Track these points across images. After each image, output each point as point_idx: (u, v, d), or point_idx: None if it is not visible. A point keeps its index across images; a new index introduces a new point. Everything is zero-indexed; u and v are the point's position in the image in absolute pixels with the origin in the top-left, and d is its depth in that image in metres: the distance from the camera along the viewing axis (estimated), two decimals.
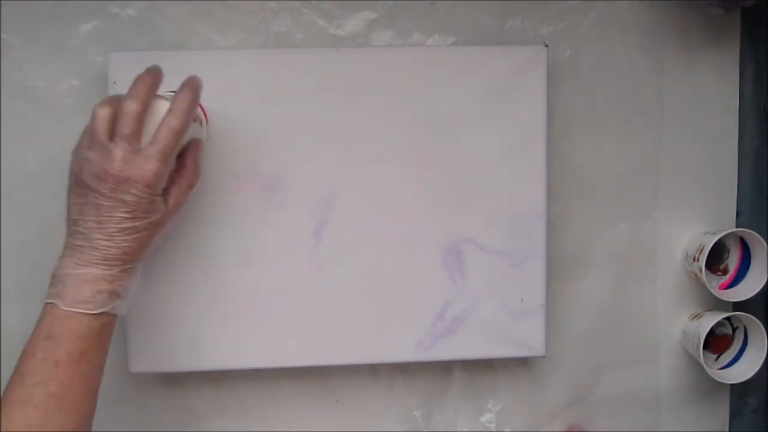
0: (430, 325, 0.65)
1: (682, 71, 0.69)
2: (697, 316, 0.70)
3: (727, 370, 0.69)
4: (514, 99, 0.64)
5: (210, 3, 0.65)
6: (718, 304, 0.70)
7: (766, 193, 0.72)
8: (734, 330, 0.70)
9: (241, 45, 0.65)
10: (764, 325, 0.67)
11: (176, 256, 0.63)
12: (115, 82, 0.61)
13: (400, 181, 0.64)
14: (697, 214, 0.71)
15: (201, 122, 0.58)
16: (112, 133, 0.51)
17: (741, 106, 0.70)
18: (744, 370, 0.68)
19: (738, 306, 0.70)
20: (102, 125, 0.51)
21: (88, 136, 0.52)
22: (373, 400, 0.70)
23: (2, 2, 0.63)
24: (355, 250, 0.64)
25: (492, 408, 0.71)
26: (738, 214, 0.71)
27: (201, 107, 0.60)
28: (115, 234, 0.51)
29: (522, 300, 0.65)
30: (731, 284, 0.69)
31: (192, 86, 0.53)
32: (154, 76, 0.53)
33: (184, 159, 0.56)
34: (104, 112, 0.51)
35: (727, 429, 0.74)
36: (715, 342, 0.70)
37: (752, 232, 0.67)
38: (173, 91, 0.58)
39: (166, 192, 0.54)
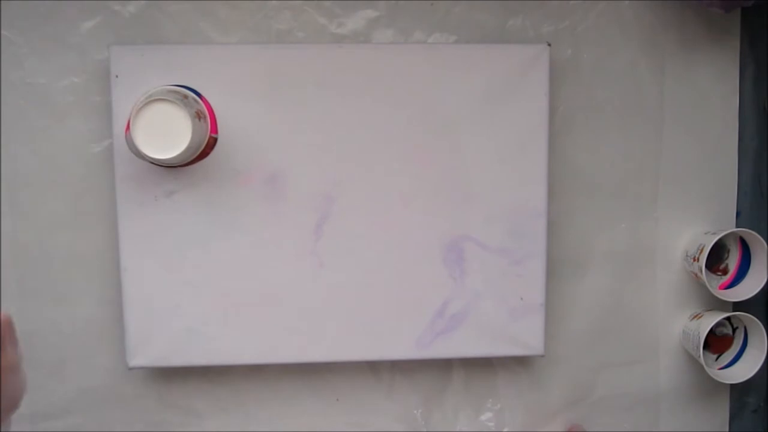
0: (429, 322, 0.65)
1: (682, 71, 0.69)
2: (697, 316, 0.70)
3: (727, 370, 0.69)
4: (516, 98, 0.64)
5: (211, 1, 0.65)
6: (718, 304, 0.70)
7: (766, 193, 0.72)
8: (734, 330, 0.70)
9: (242, 43, 0.65)
10: (764, 325, 0.67)
11: (176, 251, 0.63)
12: (117, 76, 0.61)
13: (401, 178, 0.64)
14: (697, 214, 0.71)
15: (204, 118, 0.58)
16: None
17: (741, 106, 0.70)
18: (744, 370, 0.68)
19: (738, 306, 0.70)
20: None
21: None
22: (373, 399, 0.70)
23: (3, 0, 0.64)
24: (356, 246, 0.64)
25: (491, 407, 0.71)
26: (738, 214, 0.71)
27: (205, 102, 0.60)
28: None
29: (522, 299, 0.65)
30: (731, 284, 0.69)
31: None
32: None
33: None
34: None
35: (727, 429, 0.74)
36: (716, 342, 0.70)
37: (752, 232, 0.67)
38: (175, 85, 0.59)
39: None
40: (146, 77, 0.60)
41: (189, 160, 0.58)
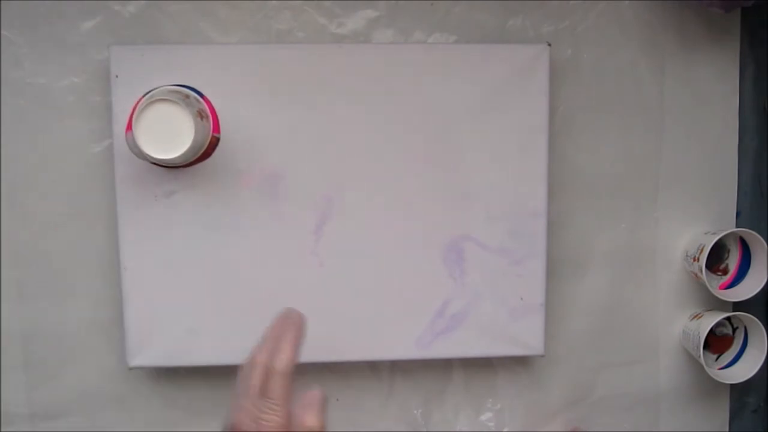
0: (429, 322, 0.65)
1: (682, 71, 0.69)
2: (697, 316, 0.70)
3: (727, 370, 0.69)
4: (516, 98, 0.64)
5: (211, 1, 0.65)
6: (718, 304, 0.70)
7: (766, 193, 0.72)
8: (734, 330, 0.70)
9: (242, 43, 0.65)
10: (764, 325, 0.67)
11: (176, 251, 0.63)
12: (117, 76, 0.61)
13: (402, 178, 0.64)
14: (697, 214, 0.71)
15: (206, 117, 0.58)
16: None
17: (741, 106, 0.70)
18: (744, 370, 0.68)
19: (738, 306, 0.70)
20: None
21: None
22: (373, 399, 0.70)
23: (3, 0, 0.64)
24: (356, 246, 0.64)
25: (491, 407, 0.71)
26: (738, 214, 0.71)
27: (207, 102, 0.60)
28: None
29: (522, 299, 0.65)
30: (731, 284, 0.69)
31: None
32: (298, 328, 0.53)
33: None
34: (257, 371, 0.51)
35: (727, 429, 0.74)
36: (716, 342, 0.70)
37: (752, 232, 0.67)
38: (176, 85, 0.59)
39: None
40: (146, 77, 0.60)
41: (191, 159, 0.58)
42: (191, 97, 0.57)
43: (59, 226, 0.66)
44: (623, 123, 0.69)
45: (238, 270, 0.63)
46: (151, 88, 0.58)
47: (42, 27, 0.64)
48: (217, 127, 0.60)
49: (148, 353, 0.63)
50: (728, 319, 0.68)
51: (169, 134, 0.54)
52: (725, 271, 0.70)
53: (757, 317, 0.67)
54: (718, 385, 0.70)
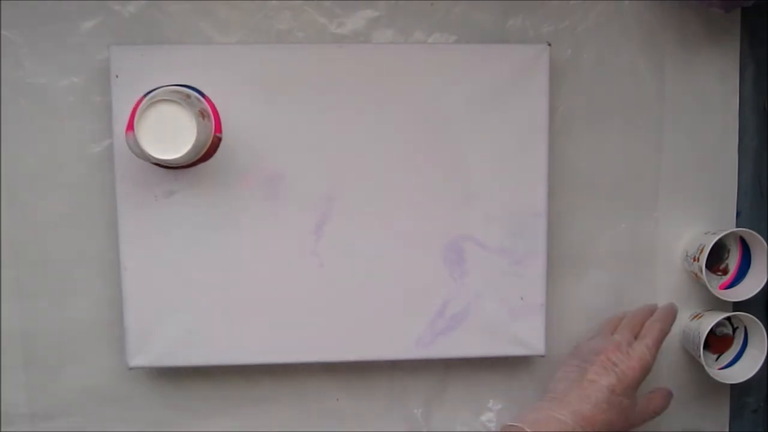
0: (429, 322, 0.65)
1: (682, 71, 0.69)
2: (697, 316, 0.70)
3: (727, 370, 0.69)
4: (516, 97, 0.64)
5: (211, 1, 0.65)
6: (718, 304, 0.70)
7: (766, 193, 0.72)
8: (734, 330, 0.70)
9: (242, 43, 0.65)
10: (764, 325, 0.67)
11: (176, 251, 0.63)
12: (117, 76, 0.61)
13: (402, 178, 0.64)
14: (697, 214, 0.71)
15: (208, 116, 0.58)
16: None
17: (741, 106, 0.70)
18: (744, 370, 0.68)
19: (738, 306, 0.70)
20: (609, 325, 0.67)
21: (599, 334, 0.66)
22: (372, 399, 0.70)
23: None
24: (356, 246, 0.64)
25: (492, 407, 0.71)
26: (738, 214, 0.71)
27: (208, 102, 0.60)
28: (591, 397, 0.58)
29: (522, 299, 0.65)
30: (731, 284, 0.69)
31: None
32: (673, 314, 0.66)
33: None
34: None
35: (727, 429, 0.74)
36: (716, 342, 0.70)
37: (752, 232, 0.67)
38: (177, 85, 0.59)
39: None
40: (146, 77, 0.60)
41: (194, 159, 0.58)
42: (192, 97, 0.57)
43: (59, 226, 0.66)
44: (623, 123, 0.69)
45: (238, 270, 0.63)
46: (151, 88, 0.58)
47: (42, 27, 0.64)
48: (219, 126, 0.60)
49: (148, 353, 0.63)
50: (728, 319, 0.68)
51: (171, 134, 0.54)
52: (725, 271, 0.70)
53: (757, 317, 0.67)
54: (718, 385, 0.70)
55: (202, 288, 0.63)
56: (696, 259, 0.67)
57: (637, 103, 0.69)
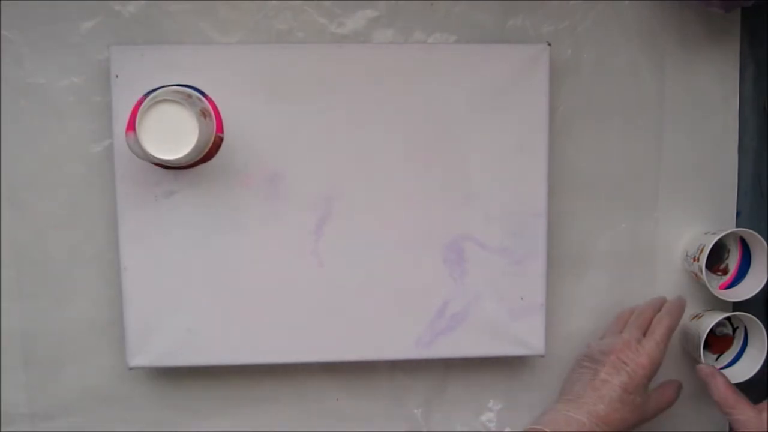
0: (429, 322, 0.65)
1: (682, 71, 0.69)
2: (697, 316, 0.70)
3: (728, 370, 0.69)
4: (516, 97, 0.64)
5: (211, 1, 0.65)
6: (718, 304, 0.70)
7: (766, 193, 0.72)
8: (734, 330, 0.70)
9: (243, 43, 0.65)
10: (764, 326, 0.67)
11: (176, 251, 0.63)
12: (117, 76, 0.61)
13: (402, 177, 0.64)
14: (697, 214, 0.71)
15: (210, 116, 0.58)
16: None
17: (741, 106, 0.70)
18: (744, 370, 0.68)
19: (738, 306, 0.70)
20: (619, 322, 0.68)
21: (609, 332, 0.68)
22: (372, 399, 0.70)
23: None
24: (356, 246, 0.64)
25: (492, 407, 0.71)
26: (738, 214, 0.71)
27: (210, 101, 0.60)
28: (605, 397, 0.61)
29: (522, 299, 0.65)
30: (731, 284, 0.69)
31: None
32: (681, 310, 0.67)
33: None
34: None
35: (727, 429, 0.74)
36: (716, 342, 0.70)
37: (752, 232, 0.67)
38: (178, 85, 0.58)
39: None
40: (146, 77, 0.60)
41: (196, 159, 0.58)
42: (193, 97, 0.57)
43: (59, 226, 0.66)
44: (623, 123, 0.69)
45: (238, 270, 0.63)
46: (151, 88, 0.58)
47: (42, 27, 0.64)
48: (220, 126, 0.60)
49: (147, 353, 0.63)
50: (728, 319, 0.69)
51: (172, 135, 0.54)
52: (725, 271, 0.70)
53: (757, 317, 0.67)
54: None
55: (202, 288, 0.63)
56: (696, 259, 0.67)
57: (637, 103, 0.69)
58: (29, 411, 0.67)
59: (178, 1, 0.64)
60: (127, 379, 0.67)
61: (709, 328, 0.66)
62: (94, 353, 0.67)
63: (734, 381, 0.67)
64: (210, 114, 0.58)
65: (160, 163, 0.56)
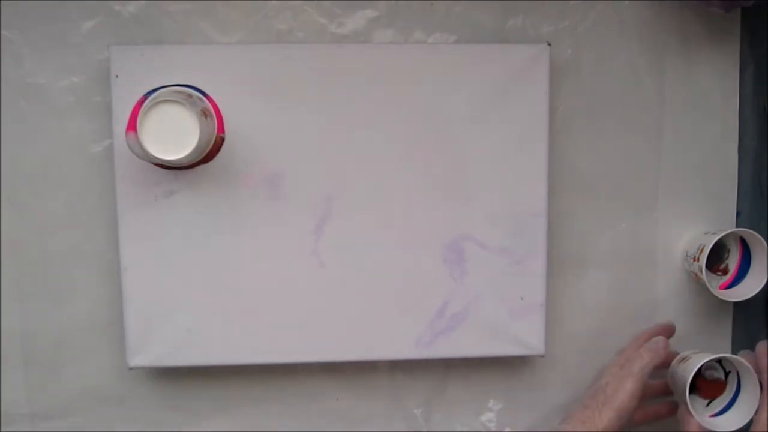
0: (429, 322, 0.65)
1: (682, 71, 0.69)
2: (684, 359, 0.66)
3: (720, 418, 0.65)
4: (516, 97, 0.64)
5: (211, 1, 0.65)
6: (718, 305, 0.70)
7: (766, 193, 0.72)
8: (727, 374, 0.66)
9: (242, 43, 0.65)
10: (765, 325, 0.67)
11: (176, 251, 0.63)
12: (117, 76, 0.61)
13: (402, 178, 0.64)
14: (697, 214, 0.71)
15: (210, 116, 0.58)
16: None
17: (741, 106, 0.70)
18: (737, 418, 0.63)
19: (738, 306, 0.70)
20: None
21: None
22: (373, 399, 0.70)
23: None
24: (356, 246, 0.64)
25: (492, 407, 0.71)
26: (738, 214, 0.71)
27: (211, 101, 0.60)
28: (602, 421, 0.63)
29: (522, 299, 0.66)
30: (731, 284, 0.69)
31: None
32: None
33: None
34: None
35: None
36: (706, 386, 0.66)
37: (752, 232, 0.66)
38: (178, 85, 0.58)
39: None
40: (146, 77, 0.60)
41: (198, 159, 0.58)
42: (194, 97, 0.57)
43: (59, 226, 0.66)
44: (623, 123, 0.69)
45: (238, 270, 0.63)
46: (151, 88, 0.58)
47: (42, 27, 0.64)
48: (221, 126, 0.60)
49: (147, 353, 0.63)
50: (720, 361, 0.65)
51: (174, 135, 0.54)
52: (725, 271, 0.70)
53: (756, 317, 0.67)
54: None
55: (202, 288, 0.63)
56: (696, 259, 0.67)
57: (637, 103, 0.69)
58: (29, 411, 0.67)
59: (178, 1, 0.64)
60: (127, 379, 0.67)
61: (693, 371, 0.62)
62: (94, 353, 0.67)
63: (725, 430, 0.63)
64: (211, 114, 0.58)
65: (161, 163, 0.56)
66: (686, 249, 0.70)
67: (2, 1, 0.63)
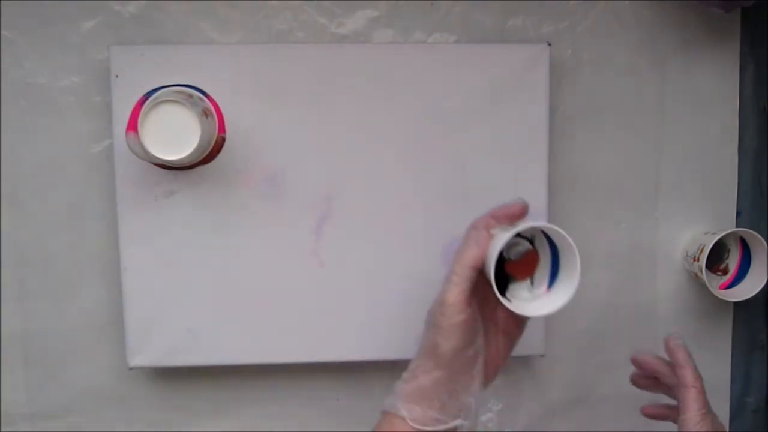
0: None
1: (682, 71, 0.69)
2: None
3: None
4: (516, 97, 0.64)
5: (211, 1, 0.65)
6: (718, 304, 0.70)
7: (766, 193, 0.72)
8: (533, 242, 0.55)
9: (242, 43, 0.65)
10: (765, 325, 0.67)
11: (176, 251, 0.63)
12: (117, 76, 0.61)
13: (402, 177, 0.64)
14: (697, 214, 0.71)
15: (211, 115, 0.58)
16: None
17: (741, 106, 0.70)
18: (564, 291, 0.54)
19: (738, 306, 0.70)
20: None
21: None
22: (373, 399, 0.69)
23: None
24: (356, 246, 0.64)
25: (492, 407, 0.71)
26: (738, 214, 0.71)
27: (211, 101, 0.60)
28: None
29: None
30: (731, 284, 0.69)
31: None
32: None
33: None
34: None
35: (727, 429, 0.73)
36: (518, 267, 0.54)
37: (752, 232, 0.67)
38: (178, 85, 0.58)
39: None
40: (146, 77, 0.60)
41: (199, 159, 0.58)
42: (195, 97, 0.57)
43: (59, 226, 0.66)
44: (623, 123, 0.69)
45: (238, 270, 0.63)
46: (151, 88, 0.58)
47: (42, 27, 0.64)
48: (222, 126, 0.60)
49: (147, 353, 0.63)
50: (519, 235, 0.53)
51: (175, 135, 0.54)
52: (725, 271, 0.70)
53: (756, 317, 0.67)
54: (718, 385, 0.70)
55: (202, 288, 0.63)
56: (696, 259, 0.67)
57: (637, 103, 0.69)
58: (29, 411, 0.67)
59: (178, 1, 0.64)
60: (127, 379, 0.67)
61: (496, 254, 0.49)
62: (94, 353, 0.67)
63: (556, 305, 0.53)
64: (212, 114, 0.58)
65: (162, 163, 0.56)
66: (686, 249, 0.70)
67: (2, 1, 0.63)
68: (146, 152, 0.54)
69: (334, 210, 0.63)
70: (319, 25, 0.66)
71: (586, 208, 0.70)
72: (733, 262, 0.70)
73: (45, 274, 0.66)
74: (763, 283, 0.66)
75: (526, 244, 0.55)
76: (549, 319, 0.66)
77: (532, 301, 0.54)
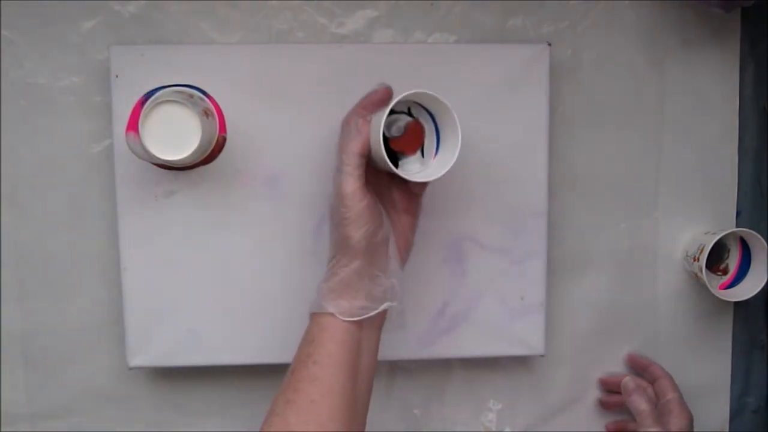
0: (430, 322, 0.65)
1: (682, 71, 0.69)
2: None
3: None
4: (516, 97, 0.64)
5: (211, 1, 0.65)
6: (718, 304, 0.70)
7: (766, 193, 0.72)
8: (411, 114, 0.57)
9: (242, 43, 0.65)
10: (765, 325, 0.67)
11: (176, 251, 0.63)
12: (117, 76, 0.61)
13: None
14: (697, 214, 0.71)
15: (212, 115, 0.58)
16: None
17: (741, 106, 0.70)
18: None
19: (738, 306, 0.70)
20: None
21: None
22: (373, 399, 0.69)
23: None
24: None
25: (492, 407, 0.71)
26: (738, 214, 0.71)
27: (212, 101, 0.60)
28: None
29: (522, 298, 0.65)
30: (731, 284, 0.69)
31: None
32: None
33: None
34: None
35: (727, 429, 0.74)
36: (401, 143, 0.56)
37: (752, 232, 0.67)
38: (178, 85, 0.58)
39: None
40: (146, 77, 0.60)
41: (200, 159, 0.58)
42: (195, 96, 0.57)
43: (59, 226, 0.66)
44: (623, 123, 0.69)
45: (238, 270, 0.63)
46: (151, 88, 0.58)
47: (42, 27, 0.64)
48: (223, 126, 0.60)
49: (148, 353, 0.63)
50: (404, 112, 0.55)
51: (175, 135, 0.54)
52: (725, 271, 0.70)
53: (757, 318, 0.67)
54: (718, 384, 0.70)
55: (202, 288, 0.63)
56: (696, 259, 0.67)
57: (637, 103, 0.69)
58: (29, 411, 0.67)
59: (178, 1, 0.64)
60: (127, 379, 0.67)
61: (380, 132, 0.51)
62: (94, 353, 0.67)
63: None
64: (212, 114, 0.58)
65: (163, 163, 0.56)
66: (686, 249, 0.70)
67: (2, 1, 0.63)
68: (146, 152, 0.54)
69: None
70: (319, 25, 0.66)
71: (586, 208, 0.70)
72: (733, 262, 0.70)
73: (45, 274, 0.66)
74: (763, 283, 0.66)
75: (406, 118, 0.56)
76: (549, 319, 0.66)
77: (424, 170, 0.55)
